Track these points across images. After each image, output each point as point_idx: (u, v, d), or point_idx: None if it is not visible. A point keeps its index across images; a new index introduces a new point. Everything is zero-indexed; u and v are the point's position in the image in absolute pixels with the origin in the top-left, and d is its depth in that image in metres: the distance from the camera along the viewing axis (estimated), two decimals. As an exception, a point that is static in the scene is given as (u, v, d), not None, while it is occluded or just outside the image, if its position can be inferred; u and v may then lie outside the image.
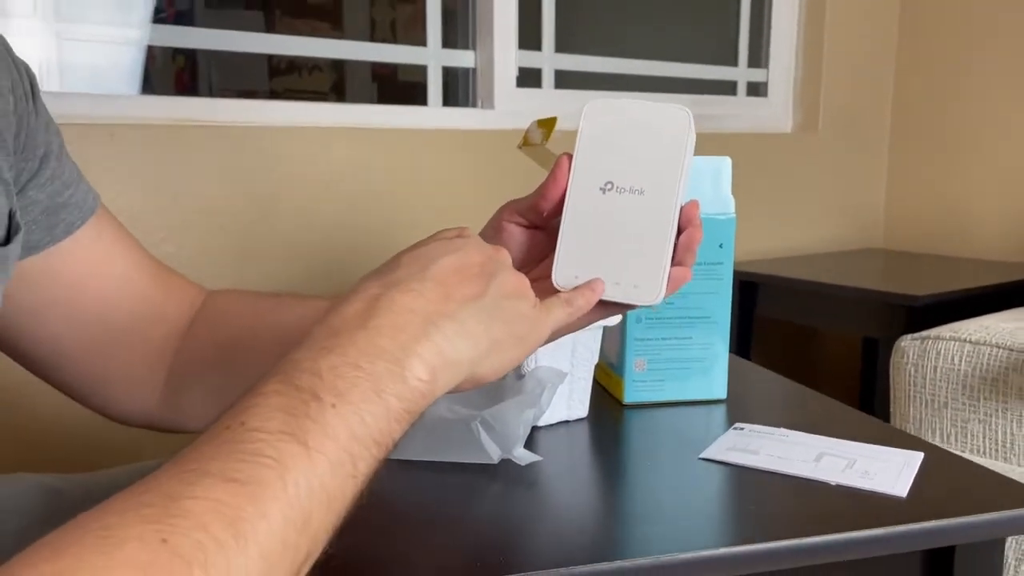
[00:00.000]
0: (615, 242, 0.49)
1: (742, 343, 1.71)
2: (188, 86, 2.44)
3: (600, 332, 0.74)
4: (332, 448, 0.35)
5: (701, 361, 0.77)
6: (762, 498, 0.57)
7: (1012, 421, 1.08)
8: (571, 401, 0.73)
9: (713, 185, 0.75)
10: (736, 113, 1.94)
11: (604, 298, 0.49)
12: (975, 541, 0.55)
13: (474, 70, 1.60)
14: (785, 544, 0.50)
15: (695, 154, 0.52)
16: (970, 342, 1.13)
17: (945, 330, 1.16)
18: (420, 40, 1.54)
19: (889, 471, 0.60)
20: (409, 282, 0.41)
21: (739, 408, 0.76)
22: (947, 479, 0.60)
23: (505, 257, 0.46)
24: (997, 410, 1.09)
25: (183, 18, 2.31)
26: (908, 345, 1.18)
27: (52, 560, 0.27)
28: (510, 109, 1.57)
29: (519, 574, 0.46)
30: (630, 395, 0.77)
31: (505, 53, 1.56)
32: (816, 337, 2.07)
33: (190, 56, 2.40)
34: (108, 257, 0.59)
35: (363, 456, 0.36)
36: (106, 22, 1.40)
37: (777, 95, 2.01)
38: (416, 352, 0.39)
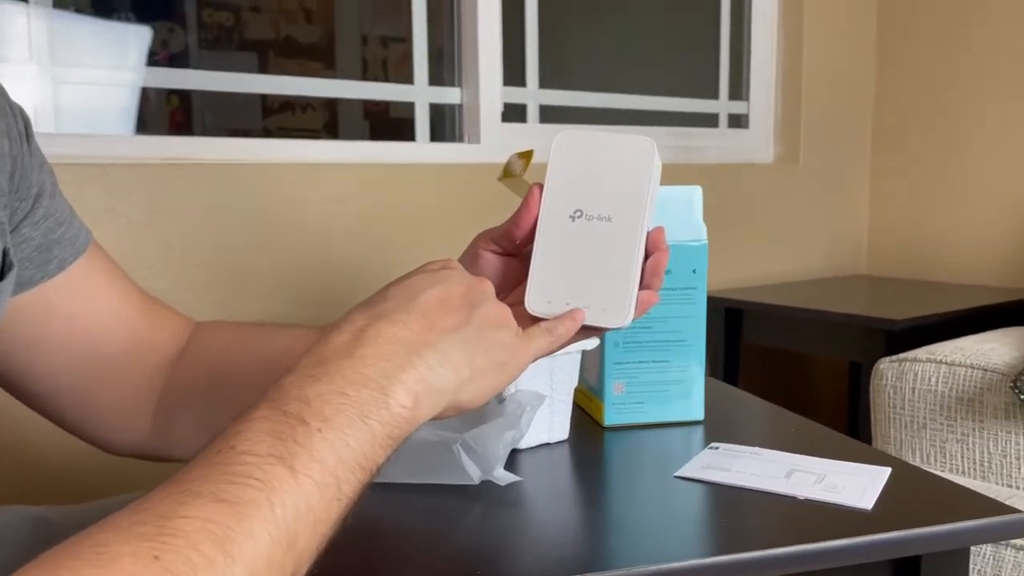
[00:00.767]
0: (585, 267, 0.52)
1: (729, 370, 1.74)
2: (182, 126, 2.48)
3: (579, 356, 0.76)
4: (318, 471, 0.36)
5: (679, 384, 0.80)
6: (733, 512, 0.59)
7: (988, 440, 1.10)
8: (552, 424, 0.75)
9: (685, 213, 0.78)
10: (719, 145, 1.99)
11: (575, 321, 0.51)
12: (940, 551, 0.57)
13: (460, 106, 1.64)
14: (753, 555, 0.52)
15: (665, 182, 0.55)
16: (946, 363, 1.15)
17: (922, 352, 1.19)
18: (410, 78, 1.58)
19: (856, 485, 0.62)
20: (395, 313, 0.43)
21: (716, 429, 0.78)
22: (913, 492, 0.62)
23: (488, 288, 0.48)
24: (973, 429, 1.11)
25: (177, 60, 2.35)
26: (886, 367, 1.20)
27: (49, 573, 0.29)
28: (496, 144, 1.60)
29: (495, 587, 0.48)
30: (610, 417, 0.79)
31: (490, 89, 1.60)
32: (804, 363, 2.09)
33: (184, 97, 2.44)
34: (99, 291, 0.61)
35: (348, 479, 0.38)
36: (101, 65, 1.43)
37: (758, 127, 2.05)
38: (400, 380, 0.41)
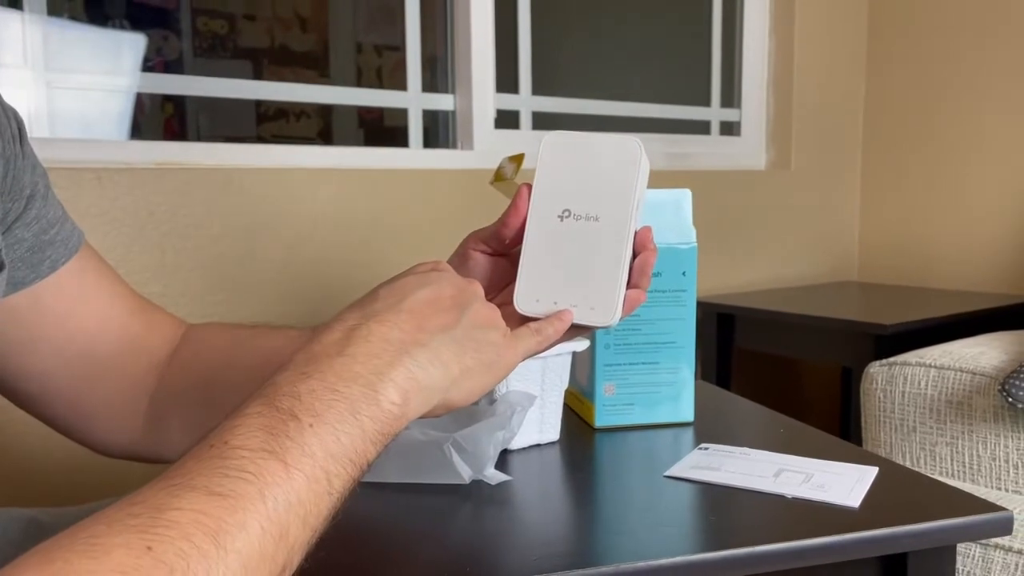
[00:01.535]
0: (573, 267, 0.52)
1: (721, 375, 1.74)
2: (177, 134, 2.48)
3: (569, 358, 0.76)
4: (309, 465, 0.37)
5: (668, 385, 0.80)
6: (722, 511, 0.60)
7: (977, 443, 1.11)
8: (543, 425, 0.75)
9: (675, 216, 0.79)
10: (711, 152, 2.00)
11: (563, 320, 0.52)
12: (926, 548, 0.58)
13: (454, 112, 1.65)
14: (741, 552, 0.53)
15: (652, 185, 0.55)
16: (936, 367, 1.16)
17: (911, 356, 1.20)
18: (404, 87, 1.59)
19: (843, 484, 0.62)
20: (385, 313, 0.44)
21: (706, 431, 0.79)
22: (900, 491, 0.63)
23: (477, 289, 0.49)
24: (963, 432, 1.12)
25: (172, 67, 2.36)
26: (876, 371, 1.21)
27: (42, 565, 0.29)
28: (489, 150, 1.61)
29: (484, 583, 0.48)
30: (600, 419, 0.80)
31: (483, 96, 1.61)
32: (795, 368, 2.10)
33: (179, 104, 2.45)
34: (92, 292, 0.61)
35: (339, 474, 0.38)
36: (95, 71, 1.44)
37: (750, 134, 2.07)
38: (389, 377, 0.42)
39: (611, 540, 0.55)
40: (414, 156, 1.57)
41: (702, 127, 2.04)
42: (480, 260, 0.56)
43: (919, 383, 1.16)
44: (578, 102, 1.82)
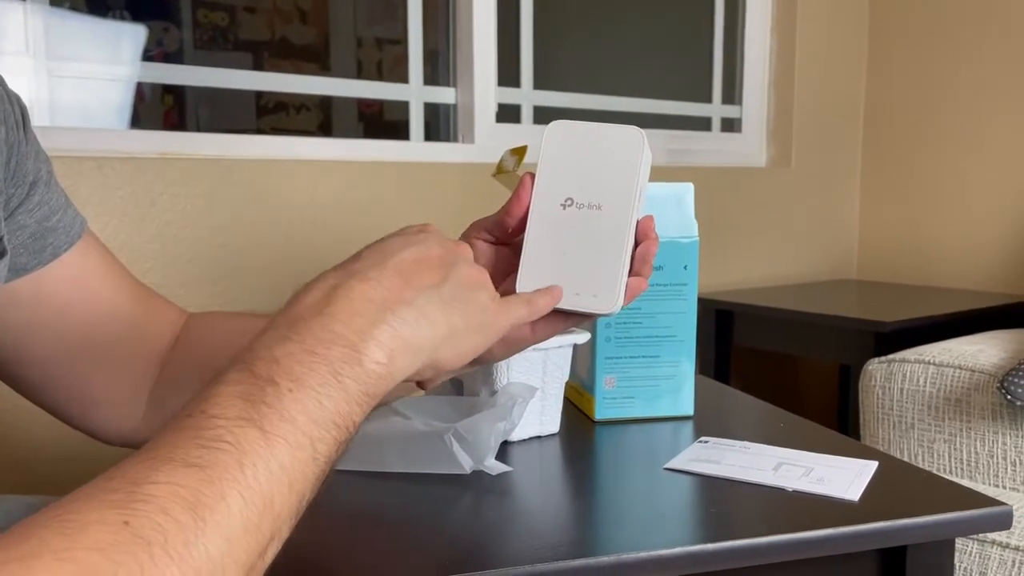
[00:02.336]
0: (575, 255, 0.52)
1: (720, 372, 1.74)
2: (176, 125, 2.48)
3: (570, 350, 0.77)
4: (290, 431, 0.36)
5: (669, 379, 0.80)
6: (722, 503, 0.60)
7: (975, 440, 1.11)
8: (543, 417, 0.76)
9: (677, 210, 0.79)
10: (712, 148, 2.00)
11: (566, 308, 0.52)
12: (925, 541, 0.58)
13: (455, 106, 1.64)
14: (740, 543, 0.53)
15: (654, 178, 0.55)
16: (934, 364, 1.16)
17: (910, 353, 1.20)
18: (405, 80, 1.59)
19: (843, 478, 0.62)
20: (369, 271, 0.43)
21: (706, 424, 0.79)
22: (899, 485, 0.63)
23: (465, 250, 0.48)
24: (961, 429, 1.12)
25: (172, 59, 2.36)
26: (875, 368, 1.21)
27: (16, 545, 0.29)
28: (490, 144, 1.61)
29: (487, 570, 0.49)
30: (601, 412, 0.80)
31: (485, 90, 1.61)
32: (794, 365, 2.10)
33: (179, 96, 2.45)
34: (94, 279, 0.61)
35: (323, 438, 0.37)
36: (96, 60, 1.44)
37: (751, 131, 2.07)
38: (372, 336, 0.40)
39: (612, 530, 0.56)
40: (415, 149, 1.57)
41: (703, 123, 2.04)
42: (483, 249, 0.56)
43: (918, 380, 1.16)
44: (580, 97, 1.82)
